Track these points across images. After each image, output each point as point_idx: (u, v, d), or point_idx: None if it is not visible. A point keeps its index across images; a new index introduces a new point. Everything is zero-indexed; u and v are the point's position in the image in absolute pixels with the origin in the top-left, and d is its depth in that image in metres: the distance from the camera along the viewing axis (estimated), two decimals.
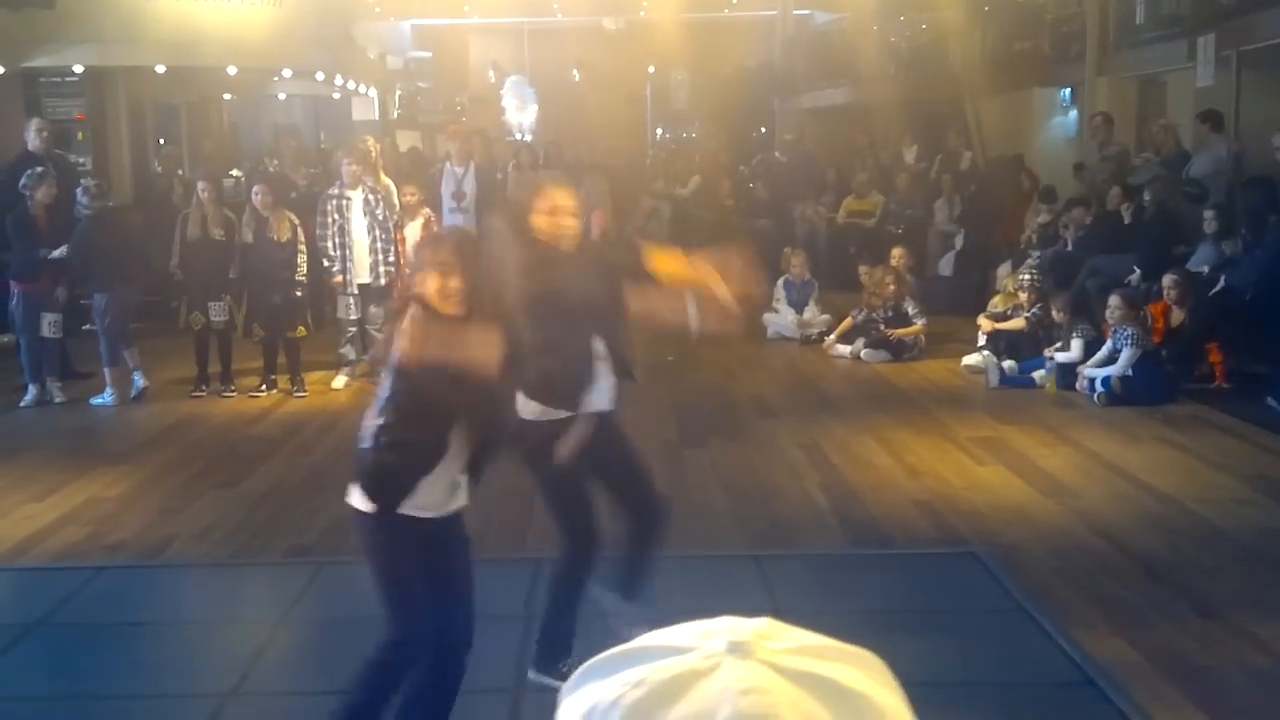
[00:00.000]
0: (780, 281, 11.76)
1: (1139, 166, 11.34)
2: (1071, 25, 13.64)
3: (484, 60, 24.59)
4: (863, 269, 11.31)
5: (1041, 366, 9.32)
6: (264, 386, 9.37)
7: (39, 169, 9.31)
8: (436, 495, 3.55)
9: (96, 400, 9.07)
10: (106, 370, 9.11)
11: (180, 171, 13.53)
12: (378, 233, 9.45)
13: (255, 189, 9.45)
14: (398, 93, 20.37)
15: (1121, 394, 8.52)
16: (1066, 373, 9.06)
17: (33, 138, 10.35)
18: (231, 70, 13.84)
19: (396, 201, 9.96)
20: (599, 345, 4.09)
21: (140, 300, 9.39)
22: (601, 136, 20.68)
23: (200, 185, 9.44)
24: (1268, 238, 9.26)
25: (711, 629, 0.72)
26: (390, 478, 3.47)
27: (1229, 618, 4.90)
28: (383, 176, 10.16)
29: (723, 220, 15.97)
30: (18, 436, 8.35)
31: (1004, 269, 11.52)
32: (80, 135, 13.05)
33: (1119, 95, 13.11)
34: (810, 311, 11.53)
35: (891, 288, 10.59)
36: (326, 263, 9.51)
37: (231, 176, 13.94)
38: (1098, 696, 4.24)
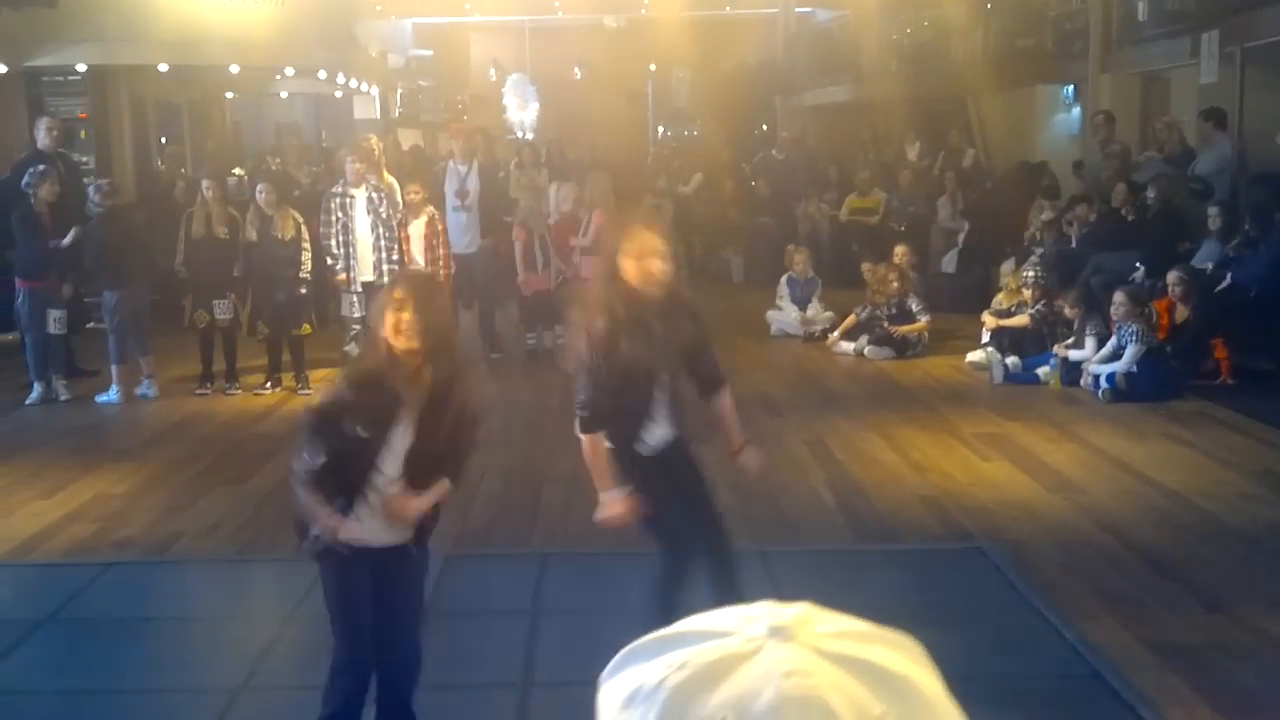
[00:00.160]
0: (784, 279, 11.77)
1: (1143, 163, 11.34)
2: (1074, 22, 13.63)
3: (485, 58, 24.58)
4: (865, 266, 11.31)
5: (1046, 363, 9.32)
6: (269, 384, 9.38)
7: (41, 167, 9.33)
8: (375, 525, 3.58)
9: (102, 398, 9.08)
10: (114, 368, 9.12)
11: (184, 170, 13.54)
12: (381, 230, 9.46)
13: (259, 187, 9.46)
14: (399, 91, 20.36)
15: (1126, 390, 8.52)
16: (1071, 369, 9.06)
17: (42, 136, 10.36)
18: (234, 69, 13.84)
19: (400, 199, 9.97)
20: (662, 390, 4.06)
21: (150, 298, 9.39)
22: (603, 134, 20.67)
23: (205, 184, 9.45)
24: (1274, 235, 9.27)
25: (751, 614, 0.72)
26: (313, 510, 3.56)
27: (1235, 611, 4.91)
28: (386, 174, 10.17)
29: (724, 218, 15.99)
30: (24, 434, 8.36)
31: (1007, 266, 11.51)
32: (83, 134, 13.04)
33: (1122, 92, 13.10)
34: (814, 309, 11.53)
35: (895, 285, 10.60)
36: (330, 261, 9.53)
37: (234, 175, 13.94)
38: (1105, 689, 4.25)
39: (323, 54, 14.66)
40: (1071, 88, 14.72)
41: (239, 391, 9.32)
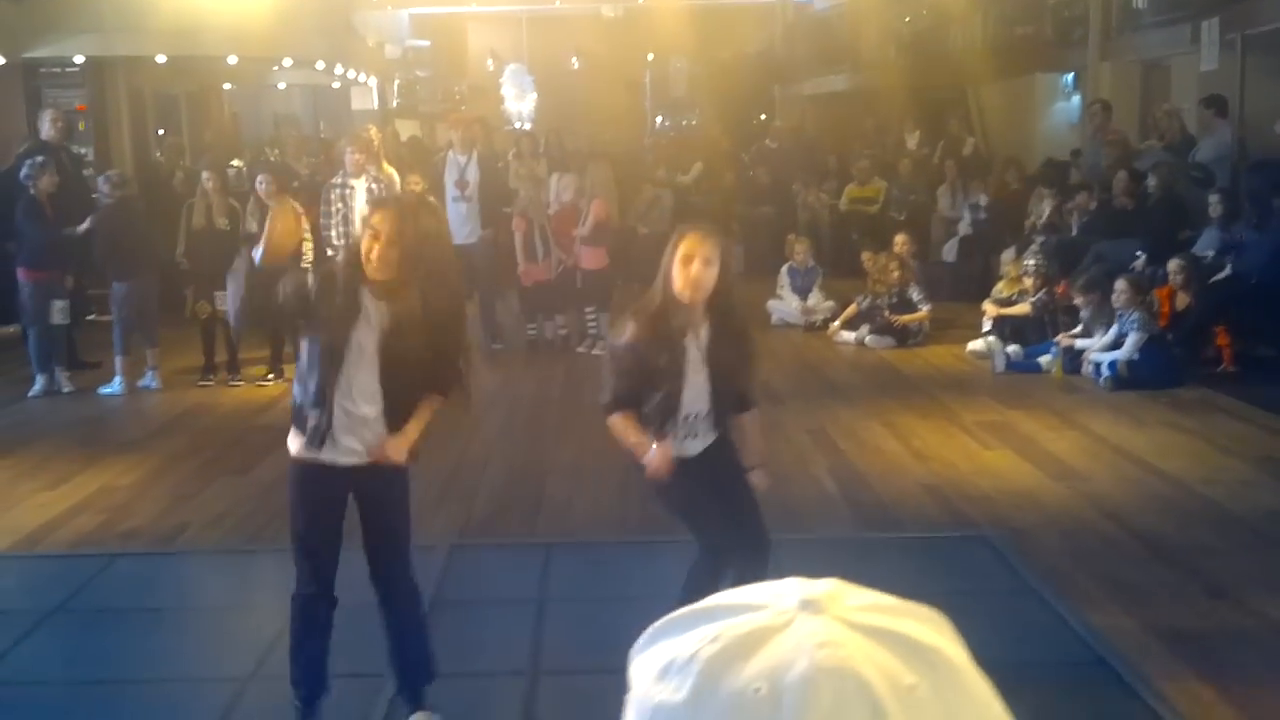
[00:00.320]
0: (784, 268, 11.78)
1: (1143, 151, 11.34)
2: (1074, 9, 13.61)
3: (482, 49, 24.54)
4: (866, 255, 11.31)
5: (1047, 351, 9.34)
6: (271, 375, 9.39)
7: (39, 159, 9.33)
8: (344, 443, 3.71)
9: (105, 389, 9.09)
10: (117, 359, 9.13)
11: (183, 162, 13.53)
12: None
13: (260, 178, 9.46)
14: (396, 82, 20.34)
15: (1128, 378, 8.53)
16: (1073, 357, 9.08)
17: (46, 127, 10.36)
18: (232, 60, 13.83)
19: (399, 190, 9.96)
20: (702, 405, 4.01)
21: (158, 290, 9.40)
22: (601, 124, 20.65)
23: (205, 175, 9.46)
24: (1273, 222, 9.27)
25: (781, 589, 0.73)
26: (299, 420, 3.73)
27: (1238, 597, 4.94)
28: (385, 165, 10.15)
29: (725, 207, 15.98)
30: (28, 426, 8.37)
31: (1008, 254, 11.53)
32: (81, 125, 13.03)
33: (1122, 80, 13.09)
34: (814, 298, 11.54)
35: (896, 274, 10.61)
36: (331, 251, 9.52)
37: (233, 166, 13.95)
38: (1109, 675, 4.27)
39: (321, 44, 14.65)
40: (1071, 76, 14.71)
41: (241, 383, 9.33)
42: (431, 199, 9.74)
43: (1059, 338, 9.33)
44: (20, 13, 11.85)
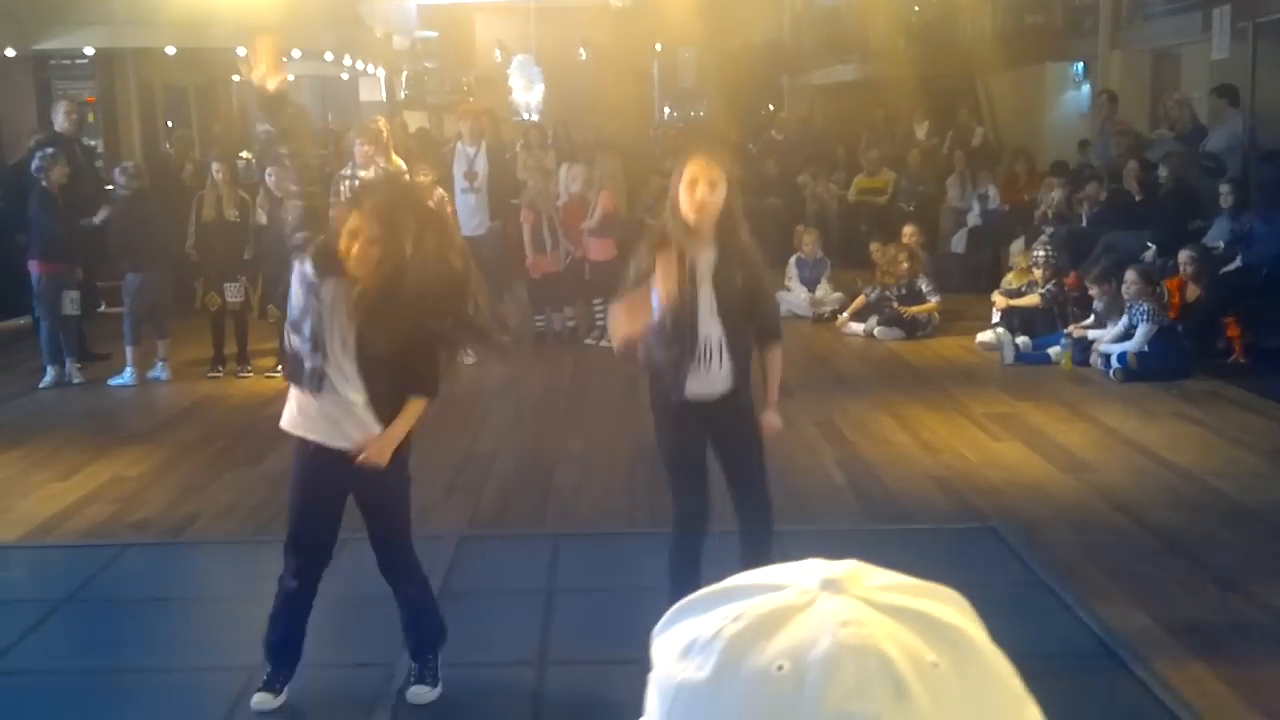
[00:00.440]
0: (792, 260, 11.76)
1: (1154, 141, 11.31)
2: None
3: (490, 39, 24.54)
4: (874, 246, 11.30)
5: (1056, 343, 9.32)
6: (279, 367, 9.40)
7: (50, 150, 9.34)
8: (314, 420, 3.80)
9: (116, 380, 9.11)
10: (128, 350, 9.16)
11: (193, 153, 13.55)
12: None
13: (269, 170, 9.45)
14: (404, 73, 20.34)
15: (1138, 369, 8.51)
16: (1083, 349, 9.06)
17: (60, 119, 10.39)
18: (241, 51, 13.82)
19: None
20: (714, 328, 4.04)
21: (171, 281, 9.44)
22: (608, 115, 20.65)
23: (215, 166, 9.47)
24: None
25: (802, 569, 0.73)
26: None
27: (1249, 590, 4.92)
28: (394, 157, 10.14)
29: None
30: (38, 418, 8.39)
31: (1017, 245, 11.51)
32: (91, 117, 13.07)
33: (1132, 69, 13.06)
34: (822, 289, 11.53)
35: (905, 265, 10.59)
36: None
37: (241, 158, 13.96)
38: (1119, 667, 4.26)
39: (329, 36, 14.67)
40: (1081, 65, 14.66)
41: (250, 374, 9.35)
42: (440, 190, 9.72)
43: (1069, 329, 9.30)
44: (31, 5, 11.87)
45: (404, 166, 10.09)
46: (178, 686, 4.42)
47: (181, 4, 12.46)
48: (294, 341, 3.77)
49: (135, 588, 5.36)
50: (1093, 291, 9.25)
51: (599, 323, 10.46)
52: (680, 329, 4.01)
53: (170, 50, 13.14)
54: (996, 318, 9.97)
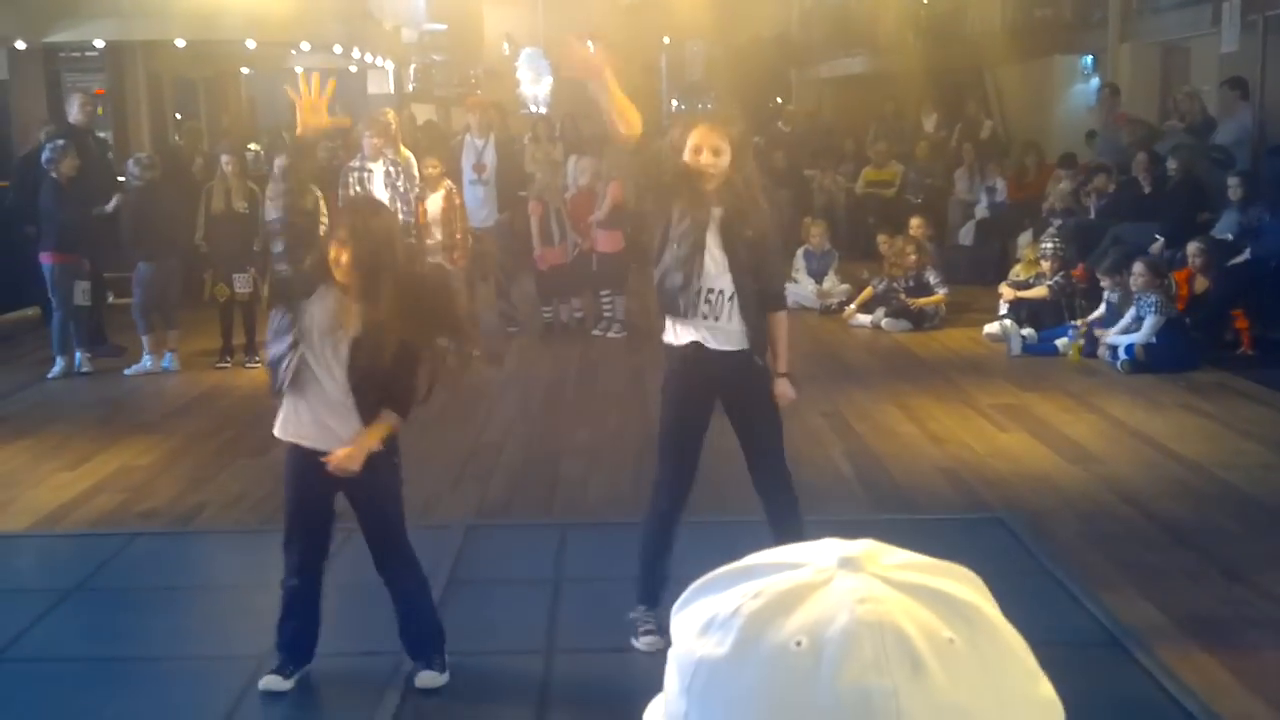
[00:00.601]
0: (800, 251, 11.76)
1: (1164, 133, 11.29)
2: None
3: (498, 32, 24.55)
4: (882, 239, 11.30)
5: (1063, 335, 9.31)
6: None
7: (60, 142, 9.37)
8: (305, 427, 3.91)
9: (133, 369, 9.15)
10: (144, 338, 9.22)
11: (202, 146, 13.58)
12: (399, 205, 9.46)
13: (277, 161, 9.47)
14: (412, 66, 20.33)
15: (1145, 361, 8.51)
16: (1090, 340, 9.05)
17: (75, 111, 10.42)
18: (251, 44, 13.85)
19: (417, 174, 9.97)
20: (724, 283, 4.10)
21: (181, 272, 9.48)
22: None
23: (224, 158, 9.50)
24: None
25: (819, 548, 0.74)
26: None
27: (1255, 580, 4.93)
28: (403, 149, 10.16)
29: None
30: (47, 407, 8.43)
31: (1025, 238, 11.51)
32: (100, 110, 13.08)
33: (1141, 62, 13.03)
34: (830, 281, 11.53)
35: (913, 257, 10.59)
36: None
37: (250, 150, 13.99)
38: (1125, 657, 4.27)
39: (338, 28, 14.66)
40: (1091, 58, 14.63)
41: (259, 364, 9.35)
42: (449, 182, 9.74)
43: (1079, 321, 9.30)
44: None
45: (413, 158, 10.11)
46: (186, 675, 4.45)
47: None
48: (273, 351, 3.92)
49: (144, 576, 5.38)
50: (1105, 284, 9.23)
51: (606, 314, 10.48)
52: (689, 270, 4.06)
53: (180, 43, 13.16)
54: (1004, 309, 9.97)
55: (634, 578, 4.44)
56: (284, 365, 3.85)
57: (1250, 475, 6.31)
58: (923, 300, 10.52)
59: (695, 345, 4.16)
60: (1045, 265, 9.97)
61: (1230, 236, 9.53)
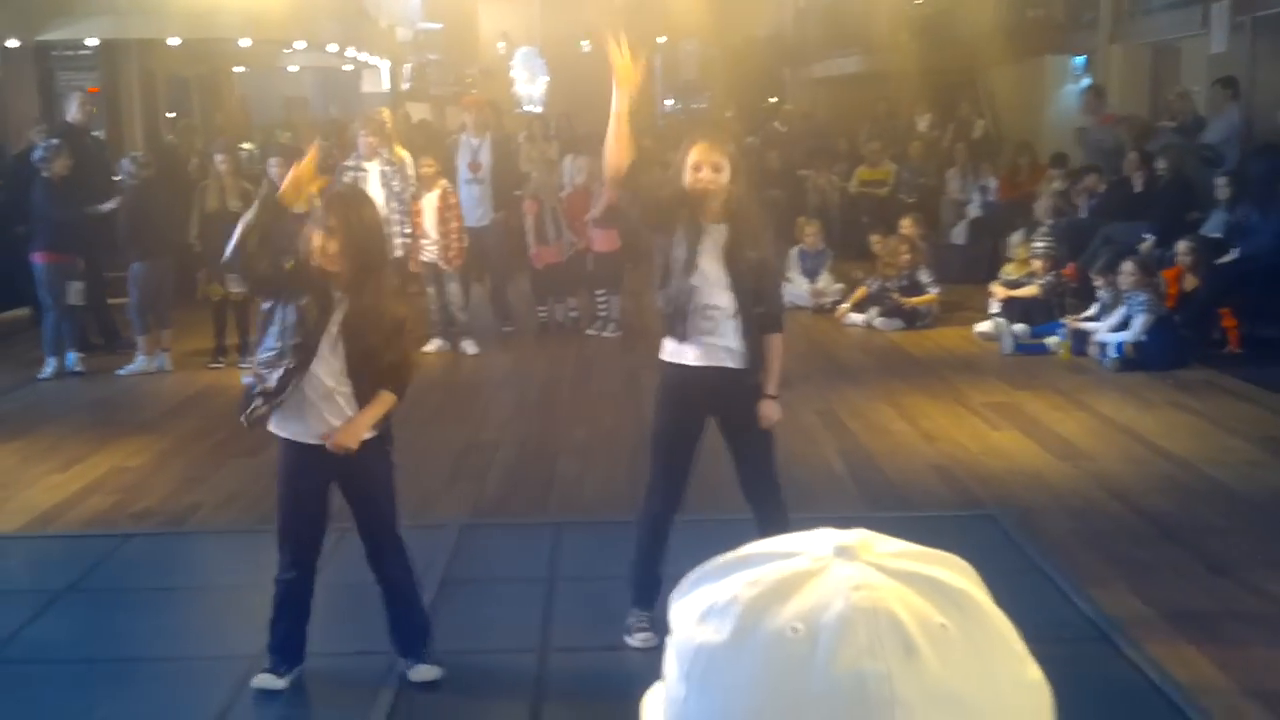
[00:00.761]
0: (794, 251, 11.78)
1: (1156, 131, 11.33)
2: None
3: (494, 31, 24.56)
4: (875, 238, 11.32)
5: (1054, 332, 9.35)
6: None
7: (54, 141, 9.37)
8: (300, 422, 3.96)
9: (128, 369, 9.15)
10: (139, 338, 9.22)
11: (197, 145, 13.58)
12: (394, 204, 9.48)
13: (271, 161, 9.49)
14: (407, 65, 20.32)
15: (1135, 359, 8.55)
16: (1080, 339, 9.09)
17: (74, 110, 10.42)
18: (245, 42, 13.84)
19: (412, 173, 9.99)
20: (724, 300, 4.12)
21: (174, 271, 9.48)
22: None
23: (218, 157, 9.49)
24: (1277, 207, 9.25)
25: (814, 537, 0.77)
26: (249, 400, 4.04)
27: (1242, 576, 4.97)
28: (398, 148, 10.18)
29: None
30: (39, 408, 8.42)
31: (1016, 237, 11.52)
32: (93, 109, 13.07)
33: (1132, 63, 13.07)
34: (824, 280, 11.55)
35: (906, 257, 10.62)
36: None
37: (244, 149, 13.99)
38: (1113, 651, 4.31)
39: (333, 27, 14.67)
40: (1082, 58, 14.68)
41: (252, 365, 9.37)
42: (445, 181, 9.75)
43: (1066, 319, 9.34)
44: None
45: (408, 157, 10.13)
46: (180, 675, 4.46)
47: None
48: (264, 364, 3.97)
49: (137, 577, 5.39)
50: (1098, 282, 9.28)
51: (601, 313, 10.49)
52: (681, 291, 4.11)
53: (173, 41, 13.15)
54: (996, 308, 10.01)
55: (628, 578, 4.46)
56: (280, 395, 3.89)
57: (1237, 472, 6.35)
58: (915, 299, 10.55)
59: (692, 361, 4.19)
60: (1037, 264, 10.01)
61: (1219, 235, 9.57)
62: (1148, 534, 5.49)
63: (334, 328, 3.88)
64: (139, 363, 9.19)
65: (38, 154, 9.17)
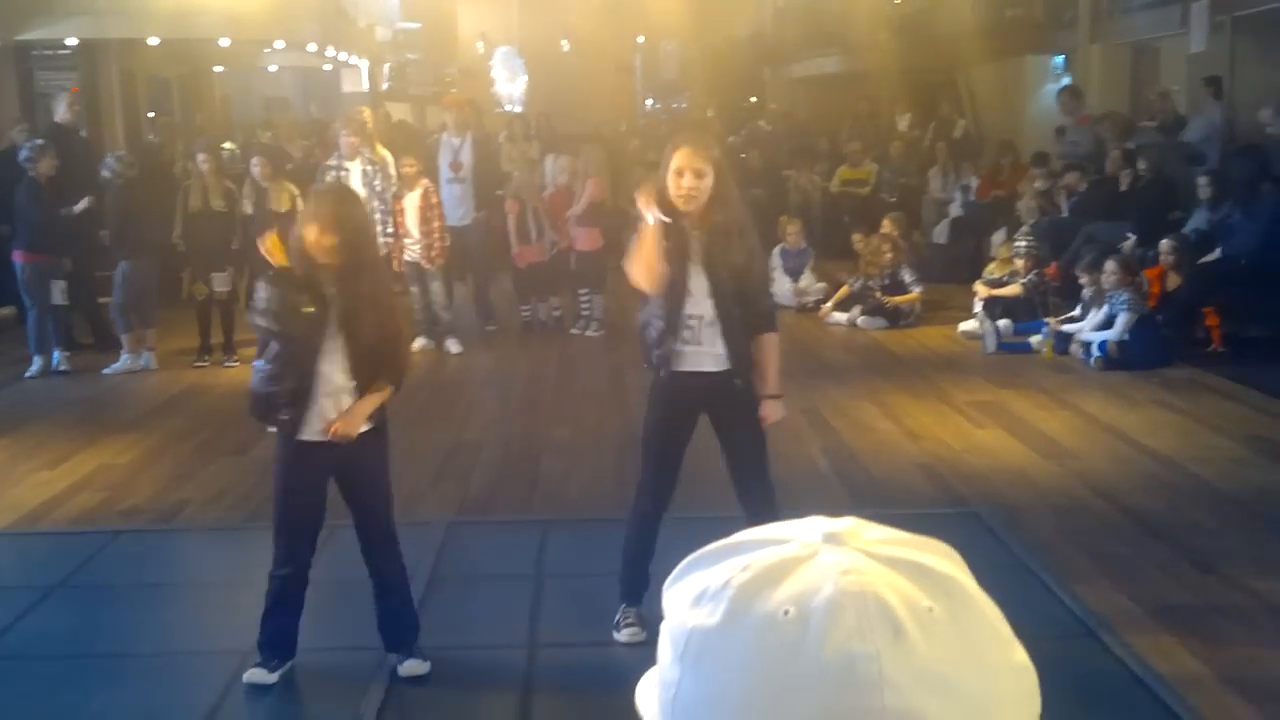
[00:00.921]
0: (776, 250, 11.80)
1: (1138, 131, 11.40)
2: None
3: (473, 31, 24.53)
4: (857, 237, 11.36)
5: (1037, 331, 9.40)
6: None
7: (39, 141, 9.33)
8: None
9: (113, 368, 9.12)
10: (124, 337, 9.20)
11: (181, 145, 13.54)
12: (375, 204, 9.47)
13: (254, 160, 9.48)
14: (387, 65, 20.28)
15: (1118, 358, 8.60)
16: (1063, 338, 9.15)
17: (62, 110, 10.39)
18: (225, 42, 13.81)
19: (394, 172, 9.98)
20: (706, 308, 4.14)
21: (159, 271, 9.46)
22: (591, 108, 20.66)
23: (200, 157, 9.48)
24: (1257, 207, 9.33)
25: (804, 525, 0.79)
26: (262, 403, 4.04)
27: (1226, 572, 5.01)
28: (379, 148, 10.18)
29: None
30: (26, 407, 8.40)
31: (999, 236, 11.59)
32: (80, 109, 13.01)
33: (1112, 62, 13.15)
34: (806, 279, 11.59)
35: (888, 256, 10.66)
36: None
37: (225, 149, 13.95)
38: (1099, 647, 4.34)
39: (312, 26, 14.63)
40: (1062, 58, 14.76)
41: (237, 363, 9.35)
42: (426, 180, 9.75)
43: (1049, 319, 9.39)
44: None
45: (389, 157, 10.12)
46: (170, 671, 4.46)
47: None
48: (265, 384, 3.98)
49: (126, 574, 5.39)
50: (1083, 280, 9.32)
51: (584, 313, 10.51)
52: (669, 306, 4.13)
53: (153, 41, 13.10)
54: (978, 307, 10.06)
55: (616, 575, 4.48)
56: (292, 417, 3.94)
57: (1221, 469, 6.40)
58: (898, 298, 10.59)
59: (678, 366, 4.21)
60: (1019, 263, 10.07)
61: (1201, 230, 9.63)
62: (1132, 531, 5.53)
63: (333, 323, 3.91)
64: (124, 361, 9.18)
65: (23, 154, 9.14)
